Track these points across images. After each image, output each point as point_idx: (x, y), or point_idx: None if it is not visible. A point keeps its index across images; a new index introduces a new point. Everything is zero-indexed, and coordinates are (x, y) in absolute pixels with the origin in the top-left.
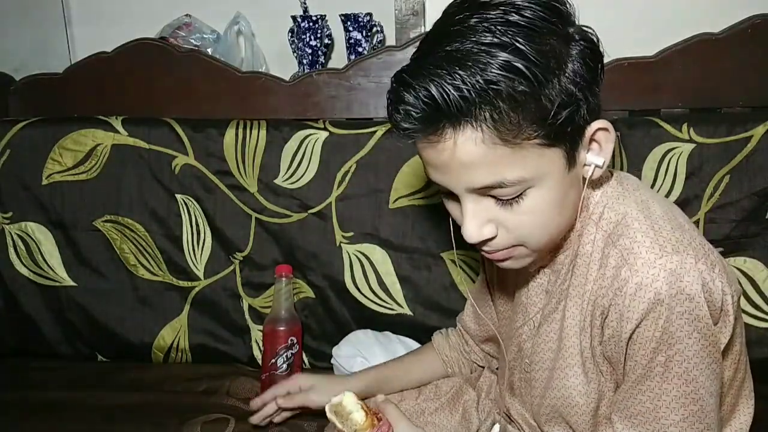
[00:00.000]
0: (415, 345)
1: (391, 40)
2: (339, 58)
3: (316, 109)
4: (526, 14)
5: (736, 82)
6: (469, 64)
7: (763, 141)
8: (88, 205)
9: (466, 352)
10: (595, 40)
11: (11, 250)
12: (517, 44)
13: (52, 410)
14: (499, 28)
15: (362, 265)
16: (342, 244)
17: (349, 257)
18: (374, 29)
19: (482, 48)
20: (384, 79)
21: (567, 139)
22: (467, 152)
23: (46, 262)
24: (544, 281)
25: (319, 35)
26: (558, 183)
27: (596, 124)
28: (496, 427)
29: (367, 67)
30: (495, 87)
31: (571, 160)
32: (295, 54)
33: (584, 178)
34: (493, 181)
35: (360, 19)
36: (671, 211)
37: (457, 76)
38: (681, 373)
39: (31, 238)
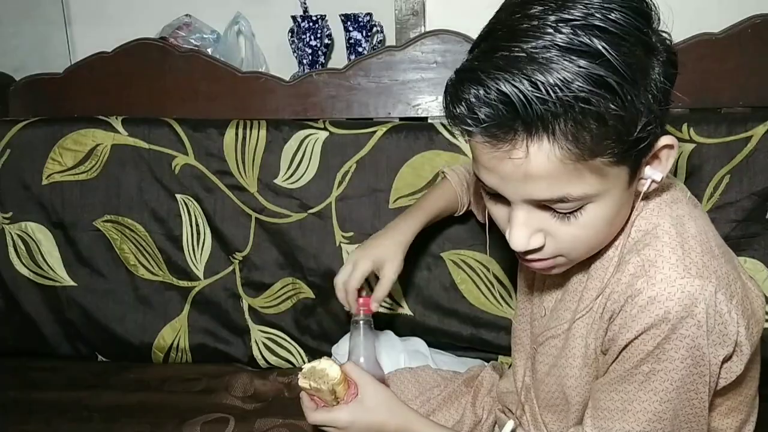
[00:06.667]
0: (415, 345)
1: (391, 40)
2: (339, 58)
3: (316, 109)
4: (611, 17)
5: (736, 82)
6: (550, 67)
7: (763, 141)
8: (88, 205)
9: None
10: (673, 48)
11: (11, 250)
12: (605, 52)
13: (52, 410)
14: (579, 29)
15: None
16: (342, 244)
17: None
18: (374, 29)
19: (562, 51)
20: (384, 79)
21: (636, 155)
22: (537, 166)
23: (46, 262)
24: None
25: (319, 35)
26: (617, 198)
27: (663, 140)
28: (509, 424)
29: (367, 67)
30: (584, 104)
31: (633, 176)
32: (295, 54)
33: (638, 192)
34: (556, 196)
35: (360, 19)
36: (705, 232)
37: (538, 80)
38: (659, 390)
39: (31, 238)
